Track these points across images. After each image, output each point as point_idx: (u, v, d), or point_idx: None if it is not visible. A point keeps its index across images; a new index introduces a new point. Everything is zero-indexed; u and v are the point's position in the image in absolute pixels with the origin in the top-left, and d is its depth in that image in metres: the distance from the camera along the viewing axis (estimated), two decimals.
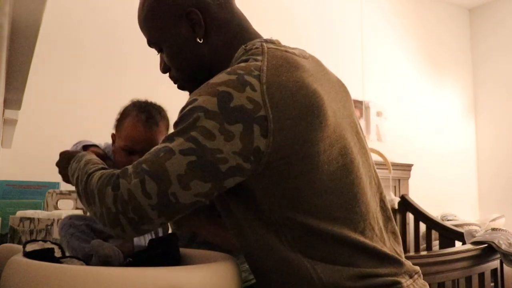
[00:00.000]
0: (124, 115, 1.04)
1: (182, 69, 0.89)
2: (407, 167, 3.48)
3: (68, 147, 1.11)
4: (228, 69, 0.75)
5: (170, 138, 0.73)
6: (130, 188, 0.71)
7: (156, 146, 0.74)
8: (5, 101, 1.19)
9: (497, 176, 4.32)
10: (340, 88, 0.90)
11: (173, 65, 0.90)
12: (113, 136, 1.06)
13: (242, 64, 0.75)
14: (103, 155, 1.02)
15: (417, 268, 0.85)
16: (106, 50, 2.69)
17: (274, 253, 0.77)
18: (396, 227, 0.88)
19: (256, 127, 0.70)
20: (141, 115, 1.00)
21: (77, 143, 1.06)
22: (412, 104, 4.11)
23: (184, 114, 0.73)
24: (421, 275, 0.85)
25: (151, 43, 0.91)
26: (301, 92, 0.74)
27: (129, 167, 0.74)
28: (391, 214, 0.89)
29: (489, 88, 4.49)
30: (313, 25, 3.57)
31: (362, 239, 0.77)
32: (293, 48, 0.87)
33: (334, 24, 3.71)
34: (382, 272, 0.76)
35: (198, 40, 0.85)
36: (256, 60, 0.76)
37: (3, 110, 1.27)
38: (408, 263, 0.83)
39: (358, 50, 3.81)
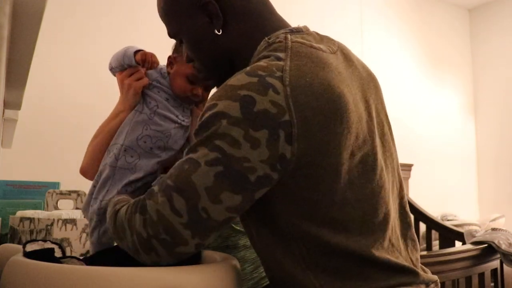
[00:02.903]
0: None
1: (203, 61, 0.86)
2: (407, 167, 3.48)
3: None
4: (248, 69, 0.70)
5: (193, 149, 0.69)
6: (158, 208, 0.68)
7: (180, 160, 0.70)
8: (5, 101, 1.19)
9: (497, 176, 4.32)
10: (369, 84, 0.84)
11: (194, 57, 0.87)
12: (172, 58, 1.02)
13: (263, 64, 0.70)
14: (151, 55, 0.99)
15: (435, 277, 0.82)
16: (107, 49, 2.69)
17: (279, 266, 0.76)
18: (415, 233, 0.85)
19: (281, 133, 0.66)
20: None
21: (126, 49, 1.02)
22: (412, 104, 4.11)
23: (205, 121, 0.68)
24: (439, 285, 0.82)
25: (170, 35, 0.89)
26: (326, 96, 0.68)
27: (155, 186, 0.71)
28: (411, 220, 0.85)
29: (489, 88, 4.49)
30: (312, 24, 3.57)
31: (375, 252, 0.73)
32: (321, 39, 0.82)
33: (334, 24, 3.71)
34: (392, 283, 0.74)
35: (217, 32, 0.81)
36: (278, 58, 0.71)
37: (3, 110, 1.27)
38: (425, 273, 0.81)
39: (358, 50, 3.81)
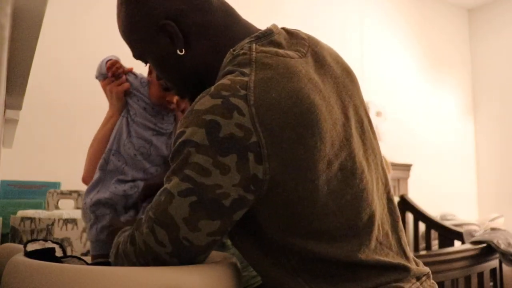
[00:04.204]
0: None
1: (171, 80, 0.85)
2: (407, 167, 3.48)
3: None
4: (212, 90, 0.68)
5: (168, 178, 0.70)
6: (144, 239, 0.69)
7: (160, 189, 0.71)
8: (6, 101, 1.19)
9: (496, 176, 4.32)
10: (345, 80, 0.81)
11: (162, 77, 0.86)
12: (151, 67, 1.04)
13: (226, 82, 0.68)
14: (119, 67, 1.02)
15: (426, 270, 0.82)
16: (108, 48, 2.69)
17: (269, 274, 0.77)
18: (401, 224, 0.84)
19: (250, 155, 0.65)
20: None
21: (104, 58, 1.06)
22: (412, 104, 4.11)
23: (175, 149, 0.68)
24: (431, 276, 0.82)
25: (135, 56, 0.87)
26: (295, 110, 0.67)
27: (142, 216, 0.72)
28: (399, 213, 0.85)
29: (488, 89, 4.49)
30: (312, 24, 3.57)
31: (361, 255, 0.73)
32: (290, 38, 0.79)
33: (334, 25, 3.71)
34: (384, 281, 0.74)
35: (179, 52, 0.79)
36: (242, 74, 0.69)
37: (4, 110, 1.27)
38: (416, 266, 0.80)
39: (358, 50, 3.81)
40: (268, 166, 0.66)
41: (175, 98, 1.02)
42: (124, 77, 1.05)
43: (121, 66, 1.04)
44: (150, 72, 1.05)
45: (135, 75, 1.07)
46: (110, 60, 1.05)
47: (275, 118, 0.66)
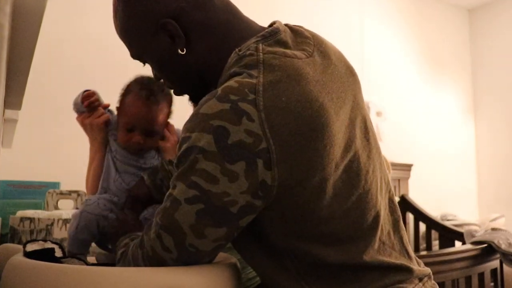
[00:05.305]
0: (126, 91, 1.01)
1: (171, 80, 0.83)
2: (407, 167, 3.48)
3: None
4: (219, 93, 0.66)
5: (172, 183, 0.69)
6: (152, 244, 0.70)
7: (166, 194, 0.70)
8: (5, 101, 1.19)
9: (496, 176, 4.32)
10: (348, 79, 0.79)
11: (162, 77, 0.83)
12: (117, 109, 1.03)
13: (234, 85, 0.66)
14: (95, 100, 1.01)
15: (428, 270, 0.82)
16: (109, 49, 2.69)
17: (272, 278, 0.76)
18: (402, 222, 0.84)
19: (259, 161, 0.63)
20: (142, 92, 0.96)
21: (79, 95, 1.04)
22: (412, 104, 4.11)
23: (181, 154, 0.66)
24: (432, 277, 0.82)
25: (134, 57, 0.84)
26: (304, 114, 0.65)
27: (153, 220, 0.72)
28: (400, 212, 0.84)
29: (488, 89, 4.49)
30: (312, 23, 3.56)
31: (365, 257, 0.73)
32: (295, 37, 0.77)
33: (334, 25, 3.71)
34: (388, 282, 0.74)
35: (180, 51, 0.76)
36: (250, 75, 0.67)
37: (4, 110, 1.27)
38: (418, 267, 0.80)
39: (358, 50, 3.81)
40: (277, 172, 0.64)
41: (141, 138, 0.98)
42: (101, 108, 1.03)
43: (97, 99, 1.01)
44: (118, 114, 1.02)
45: (111, 113, 1.05)
46: (87, 90, 1.02)
47: (285, 123, 0.64)
